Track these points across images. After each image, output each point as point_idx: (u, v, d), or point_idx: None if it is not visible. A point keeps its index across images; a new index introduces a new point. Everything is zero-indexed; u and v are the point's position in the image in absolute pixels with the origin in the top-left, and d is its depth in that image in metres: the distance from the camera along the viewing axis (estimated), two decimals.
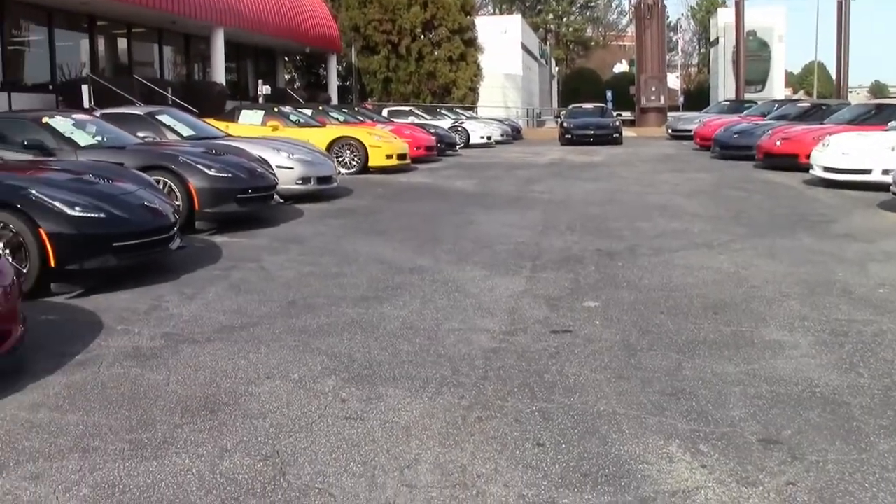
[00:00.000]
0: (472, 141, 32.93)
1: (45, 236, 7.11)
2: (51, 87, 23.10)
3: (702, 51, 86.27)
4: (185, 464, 4.19)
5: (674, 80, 72.85)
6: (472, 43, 45.65)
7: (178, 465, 4.18)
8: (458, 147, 29.78)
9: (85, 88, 20.15)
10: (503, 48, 51.65)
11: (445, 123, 32.24)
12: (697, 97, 66.21)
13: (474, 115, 41.95)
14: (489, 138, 34.25)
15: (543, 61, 72.62)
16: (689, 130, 32.62)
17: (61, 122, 11.23)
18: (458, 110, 39.88)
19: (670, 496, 3.81)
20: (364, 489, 3.92)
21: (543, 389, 5.14)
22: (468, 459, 4.21)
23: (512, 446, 4.36)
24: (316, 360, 5.70)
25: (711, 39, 65.72)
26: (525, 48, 59.31)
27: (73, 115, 11.92)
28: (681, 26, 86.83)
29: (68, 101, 21.14)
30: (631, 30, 69.91)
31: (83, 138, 11.13)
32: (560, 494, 3.84)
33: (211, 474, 4.08)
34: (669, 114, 48.02)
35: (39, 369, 5.49)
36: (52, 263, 7.15)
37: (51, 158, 9.92)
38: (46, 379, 5.34)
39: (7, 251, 7.08)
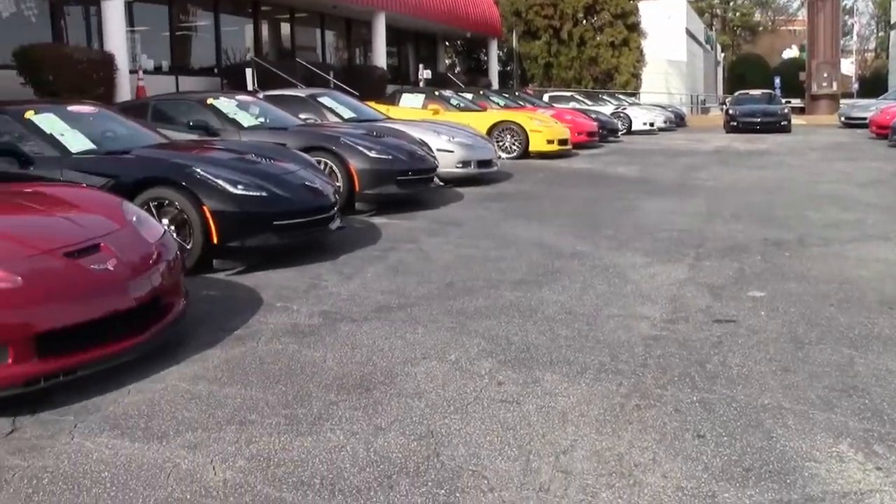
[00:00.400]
0: (634, 127, 32.26)
1: (208, 213, 7.24)
2: (216, 70, 23.83)
3: (879, 34, 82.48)
4: (339, 440, 4.15)
5: (847, 66, 69.85)
6: (635, 28, 44.73)
7: (332, 441, 4.14)
8: (619, 133, 29.19)
9: (249, 72, 20.66)
10: (667, 33, 50.60)
11: (607, 109, 31.68)
12: (873, 84, 63.20)
13: (636, 101, 41.13)
14: (652, 125, 33.52)
15: (708, 47, 70.83)
16: (864, 118, 31.03)
17: (225, 104, 11.49)
18: (621, 96, 39.17)
19: (840, 497, 3.54)
20: (518, 473, 3.79)
21: (705, 380, 4.89)
22: (625, 448, 4.02)
23: (671, 436, 4.14)
24: (473, 342, 5.59)
25: (892, 22, 62.54)
26: (690, 34, 57.95)
27: (237, 97, 12.17)
28: (857, 9, 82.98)
29: (232, 84, 21.72)
30: (802, 13, 67.43)
31: (246, 119, 11.35)
32: (720, 488, 3.62)
33: (365, 452, 4.02)
34: (842, 101, 45.95)
35: (200, 343, 5.57)
36: (215, 240, 7.27)
37: (215, 139, 10.13)
38: (206, 352, 5.41)
39: (172, 227, 7.23)
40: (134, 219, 5.68)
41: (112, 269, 4.95)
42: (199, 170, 7.46)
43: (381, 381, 4.93)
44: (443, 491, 3.67)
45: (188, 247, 7.25)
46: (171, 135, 9.57)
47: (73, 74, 14.09)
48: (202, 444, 4.11)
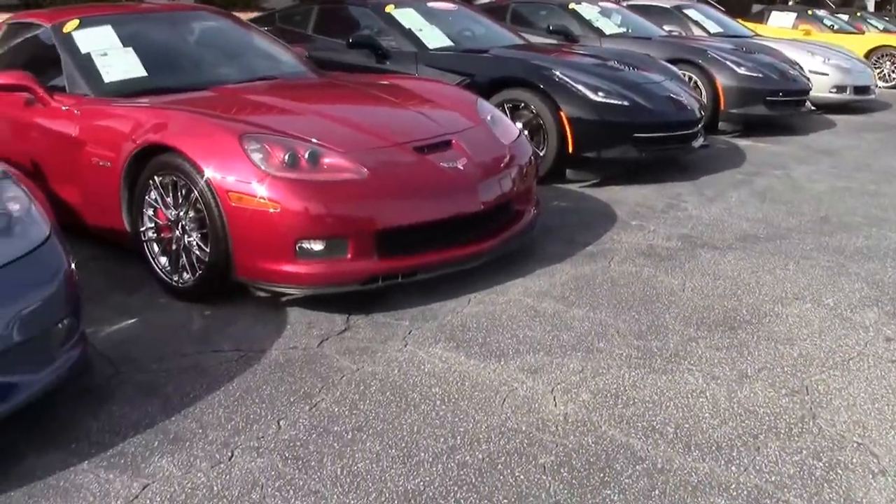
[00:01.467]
0: None
1: (565, 120, 6.76)
2: None
3: None
4: (697, 384, 3.57)
5: None
6: None
7: (689, 384, 3.58)
8: None
9: None
10: None
11: None
12: None
13: None
14: None
15: None
16: None
17: (587, 10, 10.92)
18: None
19: None
20: None
21: None
22: None
23: None
24: (854, 287, 4.78)
25: None
26: None
27: (600, 3, 11.55)
28: None
29: None
30: None
31: (608, 26, 10.74)
32: None
33: (727, 401, 3.43)
34: None
35: (548, 256, 5.13)
36: (570, 149, 6.79)
37: (575, 44, 9.60)
38: (554, 267, 4.96)
39: (526, 132, 6.85)
40: (489, 118, 5.30)
41: (462, 168, 4.58)
42: (558, 72, 6.97)
43: (746, 319, 4.27)
44: (820, 464, 3.03)
45: (541, 153, 6.83)
46: (529, 38, 9.16)
47: None
48: (543, 370, 3.68)
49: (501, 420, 3.27)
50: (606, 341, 3.96)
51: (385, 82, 5.86)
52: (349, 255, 4.14)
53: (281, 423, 3.26)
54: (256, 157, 4.14)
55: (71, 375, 3.26)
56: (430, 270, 4.39)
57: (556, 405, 3.38)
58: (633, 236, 5.60)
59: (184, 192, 4.33)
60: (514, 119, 6.85)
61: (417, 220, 4.32)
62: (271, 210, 4.05)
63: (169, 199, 4.42)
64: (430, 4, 8.55)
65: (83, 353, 3.35)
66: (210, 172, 4.16)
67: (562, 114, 6.77)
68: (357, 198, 4.20)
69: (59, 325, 3.18)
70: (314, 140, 4.37)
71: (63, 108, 5.05)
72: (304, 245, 4.10)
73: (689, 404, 3.40)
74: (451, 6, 8.88)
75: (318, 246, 4.12)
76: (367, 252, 4.17)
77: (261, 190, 4.06)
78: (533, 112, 6.91)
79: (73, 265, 3.31)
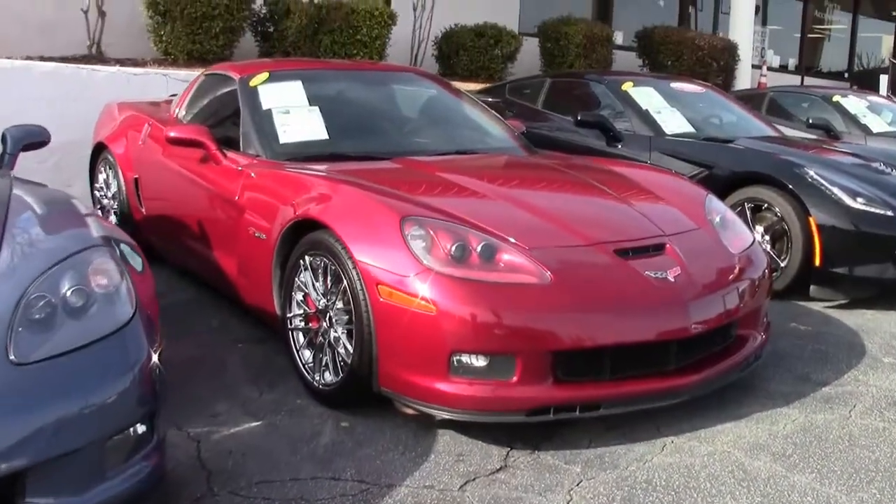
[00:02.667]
0: None
1: (814, 227, 5.69)
2: (846, 74, 21.77)
3: None
4: None
5: None
6: None
7: None
8: None
9: (884, 78, 18.27)
10: None
11: None
12: None
13: None
14: None
15: None
16: None
17: (854, 103, 9.69)
18: None
19: None
20: None
21: None
22: None
23: None
24: None
25: None
26: None
27: (868, 97, 10.30)
28: None
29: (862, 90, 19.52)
30: None
31: (876, 123, 9.46)
32: None
33: None
34: None
35: (772, 395, 4.12)
36: (817, 262, 5.71)
37: (836, 141, 8.44)
38: (778, 411, 3.93)
39: (765, 238, 5.83)
40: (717, 219, 4.37)
41: (672, 279, 3.68)
42: (812, 171, 5.91)
43: None
44: None
45: (782, 265, 5.80)
46: (785, 132, 8.10)
47: (692, 60, 13.23)
48: None
49: None
50: None
51: (604, 167, 5.05)
52: (515, 378, 3.32)
53: None
54: (417, 245, 3.42)
55: (132, 497, 2.59)
56: (617, 405, 3.50)
57: None
58: (885, 379, 4.46)
59: (333, 277, 3.66)
60: (753, 222, 5.87)
61: (606, 342, 3.43)
62: (425, 312, 3.30)
63: (319, 284, 3.77)
64: (673, 85, 7.71)
65: (156, 468, 2.67)
66: (360, 258, 3.47)
67: (811, 220, 5.70)
68: (535, 307, 3.37)
69: (123, 434, 2.53)
70: (494, 230, 3.61)
71: (232, 168, 4.56)
72: (461, 359, 3.31)
73: None
74: (697, 88, 7.99)
75: (478, 362, 3.32)
76: (538, 375, 3.34)
77: (416, 286, 3.32)
78: (777, 215, 5.89)
79: (155, 358, 2.68)
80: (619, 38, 14.75)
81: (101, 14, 8.05)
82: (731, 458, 3.43)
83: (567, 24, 12.03)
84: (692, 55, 13.40)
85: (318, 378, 3.78)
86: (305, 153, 4.57)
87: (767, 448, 3.55)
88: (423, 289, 3.31)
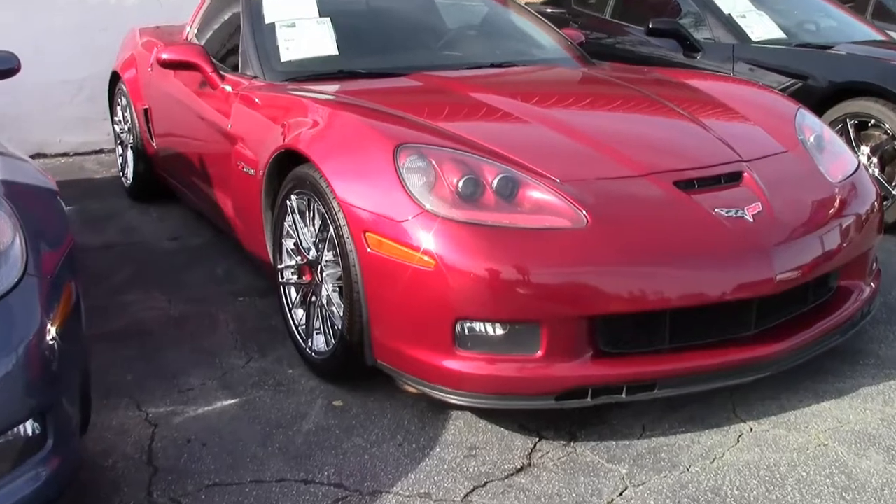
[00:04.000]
0: None
1: None
2: None
3: None
4: None
5: None
6: None
7: None
8: None
9: None
10: None
11: None
12: None
13: None
14: None
15: None
16: None
17: None
18: None
19: None
20: None
21: None
22: None
23: None
24: None
25: None
26: None
27: None
28: None
29: None
30: None
31: None
32: None
33: None
34: None
35: (885, 363, 3.27)
36: None
37: None
38: (893, 385, 3.11)
39: (873, 162, 4.92)
40: (811, 139, 3.50)
41: (751, 218, 2.84)
42: None
43: None
44: None
45: (894, 192, 4.89)
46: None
47: None
48: None
49: None
50: None
51: (673, 80, 4.18)
52: (541, 352, 2.55)
53: None
54: (415, 180, 2.66)
55: None
56: (678, 384, 2.71)
57: None
58: None
59: (322, 222, 2.95)
60: (858, 142, 4.96)
61: (663, 303, 2.63)
62: (422, 266, 2.55)
63: (307, 230, 3.06)
64: None
65: (57, 475, 2.02)
66: (345, 197, 2.75)
67: None
68: (566, 259, 2.58)
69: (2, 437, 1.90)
70: (517, 159, 2.83)
71: (227, 92, 3.86)
72: (469, 328, 2.57)
73: None
74: None
75: (492, 332, 2.58)
76: (572, 348, 2.57)
77: (411, 233, 2.58)
78: (887, 133, 4.95)
79: (52, 331, 2.01)
80: None
81: None
82: (830, 454, 2.63)
83: None
84: None
85: (310, 344, 3.09)
86: (311, 71, 3.83)
87: (878, 439, 2.73)
88: (419, 237, 2.56)
